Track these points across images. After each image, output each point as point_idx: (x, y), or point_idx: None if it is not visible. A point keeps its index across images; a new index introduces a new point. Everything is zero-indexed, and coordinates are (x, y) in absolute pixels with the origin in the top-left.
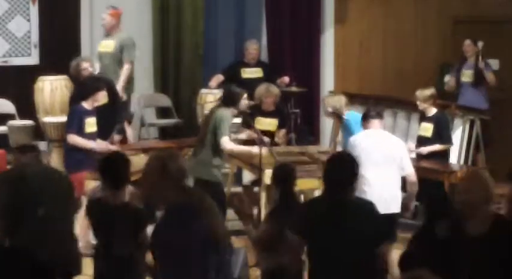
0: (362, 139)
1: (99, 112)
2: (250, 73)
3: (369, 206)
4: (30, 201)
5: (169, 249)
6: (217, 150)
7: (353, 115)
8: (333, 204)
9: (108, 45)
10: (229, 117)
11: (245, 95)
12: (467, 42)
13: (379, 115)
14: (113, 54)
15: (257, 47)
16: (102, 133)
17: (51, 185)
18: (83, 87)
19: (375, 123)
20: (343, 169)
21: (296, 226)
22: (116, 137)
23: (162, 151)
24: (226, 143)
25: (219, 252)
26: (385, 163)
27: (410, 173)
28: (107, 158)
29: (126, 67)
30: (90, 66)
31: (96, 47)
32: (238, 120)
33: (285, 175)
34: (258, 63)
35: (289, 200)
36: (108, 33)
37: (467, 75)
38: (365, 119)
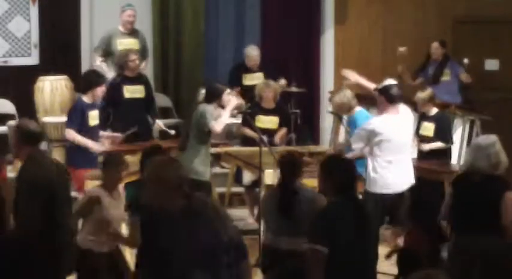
0: (382, 123)
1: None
2: (252, 79)
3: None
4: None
5: (170, 260)
6: (201, 147)
7: (362, 112)
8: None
9: (133, 43)
10: (211, 110)
11: (227, 90)
12: (435, 44)
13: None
14: (139, 52)
15: (258, 54)
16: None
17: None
18: (83, 81)
19: (396, 107)
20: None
21: None
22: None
23: (159, 158)
24: (216, 126)
25: (231, 256)
26: (402, 147)
27: None
28: None
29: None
30: (138, 59)
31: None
32: (238, 120)
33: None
34: (259, 68)
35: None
36: (130, 31)
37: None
38: (388, 101)
